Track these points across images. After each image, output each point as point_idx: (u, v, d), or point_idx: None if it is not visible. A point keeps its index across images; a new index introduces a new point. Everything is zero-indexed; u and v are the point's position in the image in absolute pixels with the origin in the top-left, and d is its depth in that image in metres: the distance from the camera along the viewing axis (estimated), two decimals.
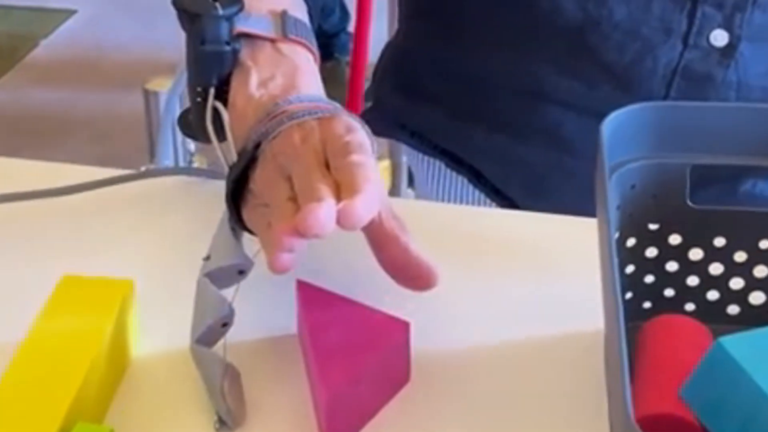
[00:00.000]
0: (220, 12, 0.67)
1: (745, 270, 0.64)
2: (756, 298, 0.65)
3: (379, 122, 1.00)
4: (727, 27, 0.81)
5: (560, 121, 0.87)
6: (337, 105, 0.66)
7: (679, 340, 0.60)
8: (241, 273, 0.62)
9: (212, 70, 0.68)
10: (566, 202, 0.76)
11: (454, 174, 0.96)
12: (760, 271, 0.64)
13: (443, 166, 0.97)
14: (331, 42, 2.81)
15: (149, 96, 1.05)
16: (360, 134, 0.62)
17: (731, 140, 0.60)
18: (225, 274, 0.62)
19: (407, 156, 1.04)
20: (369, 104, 1.03)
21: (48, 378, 0.58)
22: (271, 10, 0.70)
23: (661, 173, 0.61)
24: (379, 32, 2.11)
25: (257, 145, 0.63)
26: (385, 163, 2.12)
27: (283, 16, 0.70)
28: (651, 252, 0.64)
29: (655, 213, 0.62)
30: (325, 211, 0.56)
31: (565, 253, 0.73)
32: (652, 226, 0.63)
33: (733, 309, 0.65)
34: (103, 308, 0.62)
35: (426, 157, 0.98)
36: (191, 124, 0.71)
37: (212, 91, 0.68)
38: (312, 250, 0.61)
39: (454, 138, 0.94)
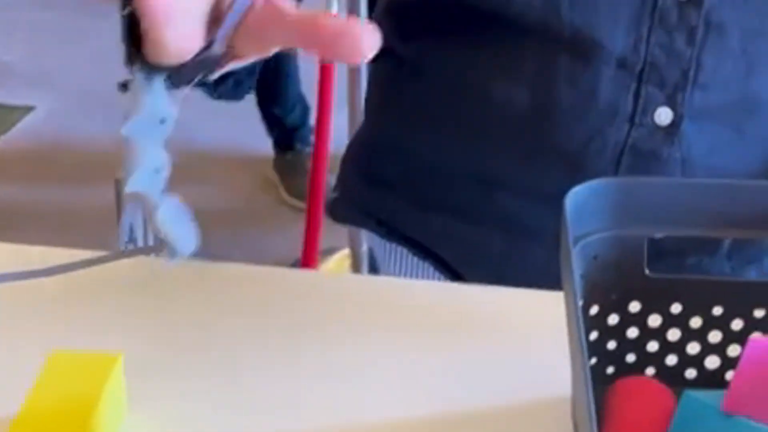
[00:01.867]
0: None
1: (700, 335, 0.68)
2: (712, 362, 0.69)
3: (346, 211, 1.04)
4: (670, 105, 0.85)
5: (515, 206, 0.92)
6: None
7: (645, 401, 0.63)
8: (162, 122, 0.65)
9: None
10: (526, 285, 0.80)
11: (417, 260, 1.00)
12: (714, 336, 0.68)
13: (407, 253, 1.01)
14: (292, 135, 2.88)
15: (119, 185, 1.08)
16: None
17: (685, 213, 0.65)
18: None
19: (372, 243, 1.08)
20: (335, 194, 1.07)
21: None
22: None
23: (620, 245, 0.65)
24: (340, 124, 2.17)
25: None
26: (345, 251, 2.15)
27: None
28: (613, 319, 0.67)
29: (615, 282, 0.66)
30: None
31: (526, 324, 0.76)
32: (614, 295, 0.67)
33: (690, 373, 0.69)
34: (92, 381, 0.65)
35: (391, 244, 1.02)
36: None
37: None
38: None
39: (417, 226, 0.98)
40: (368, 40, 0.60)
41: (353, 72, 2.04)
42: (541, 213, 0.89)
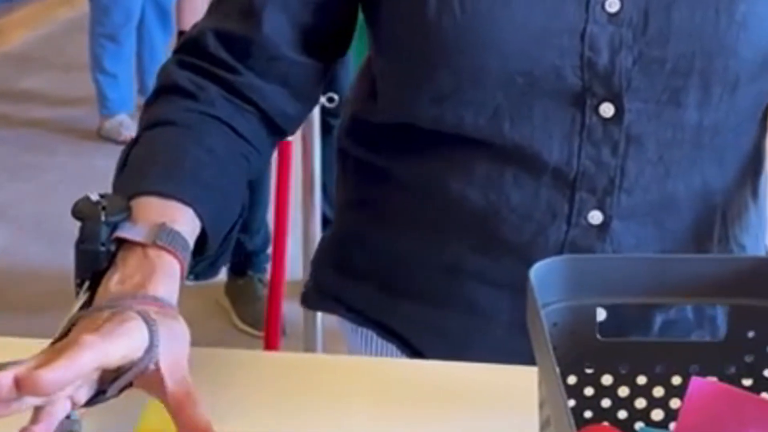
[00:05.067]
0: (102, 218, 0.82)
1: (646, 391, 0.79)
2: (657, 414, 0.80)
3: (319, 299, 1.16)
4: (600, 208, 0.99)
5: (473, 291, 1.04)
6: (145, 300, 0.78)
7: None
8: None
9: (87, 265, 0.82)
10: (484, 361, 0.91)
11: (384, 342, 1.11)
12: (657, 392, 0.79)
13: (375, 336, 1.12)
14: (250, 259, 2.93)
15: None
16: (95, 341, 0.73)
17: (628, 284, 0.77)
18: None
19: (341, 327, 1.18)
20: (309, 285, 1.18)
21: None
22: (155, 221, 0.84)
23: (575, 313, 0.77)
24: (294, 251, 2.29)
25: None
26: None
27: (160, 227, 0.83)
28: (572, 380, 0.79)
29: (572, 346, 0.78)
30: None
31: (487, 397, 0.89)
32: (571, 358, 0.78)
33: (639, 425, 0.80)
34: None
35: (359, 328, 1.13)
36: None
37: (87, 283, 0.82)
38: None
39: (384, 310, 1.10)
40: None
41: (307, 202, 2.18)
42: (497, 297, 1.03)
